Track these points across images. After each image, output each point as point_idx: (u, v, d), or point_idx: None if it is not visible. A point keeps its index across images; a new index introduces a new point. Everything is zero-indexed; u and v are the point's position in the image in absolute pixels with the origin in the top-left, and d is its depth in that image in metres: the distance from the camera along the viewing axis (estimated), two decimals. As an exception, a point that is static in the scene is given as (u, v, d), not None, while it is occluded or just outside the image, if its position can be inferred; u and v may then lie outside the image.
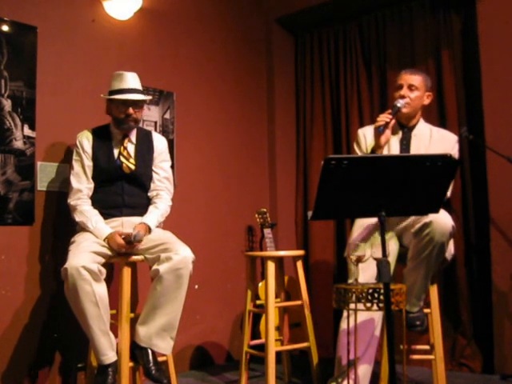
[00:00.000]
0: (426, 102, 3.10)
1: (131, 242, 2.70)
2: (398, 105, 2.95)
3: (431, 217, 2.66)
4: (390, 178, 2.03)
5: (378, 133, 2.87)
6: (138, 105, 2.94)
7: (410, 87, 3.02)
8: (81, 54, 3.36)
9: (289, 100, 4.64)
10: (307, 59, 4.59)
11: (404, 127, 3.08)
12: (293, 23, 4.56)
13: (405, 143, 3.04)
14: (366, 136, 3.12)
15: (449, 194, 2.99)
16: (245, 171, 4.31)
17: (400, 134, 3.07)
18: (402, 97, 3.00)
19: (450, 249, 2.93)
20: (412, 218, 2.85)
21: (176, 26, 3.91)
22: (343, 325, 2.78)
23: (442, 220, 2.68)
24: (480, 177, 3.64)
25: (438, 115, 3.86)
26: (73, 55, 3.32)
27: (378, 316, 2.82)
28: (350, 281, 2.84)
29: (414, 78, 3.04)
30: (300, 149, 4.58)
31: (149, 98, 3.01)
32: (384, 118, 2.88)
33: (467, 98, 3.82)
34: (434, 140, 3.03)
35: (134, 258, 2.80)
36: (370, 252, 2.51)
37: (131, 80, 2.91)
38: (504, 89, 3.49)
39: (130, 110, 2.90)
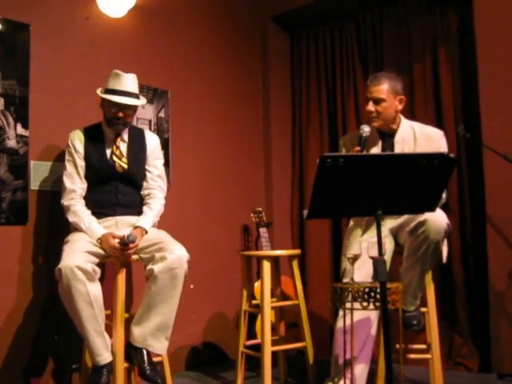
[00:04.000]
0: (400, 107, 2.97)
1: (126, 243, 2.68)
2: (364, 135, 2.86)
3: (426, 215, 2.64)
4: (387, 176, 2.02)
5: None
6: (131, 108, 2.91)
7: (376, 101, 2.92)
8: (74, 52, 3.33)
9: (284, 98, 4.62)
10: (303, 57, 4.58)
11: (384, 135, 3.01)
12: (288, 21, 4.55)
13: (388, 152, 2.99)
14: (347, 147, 3.08)
15: (444, 196, 2.98)
16: (240, 170, 4.29)
17: (380, 143, 3.00)
18: (369, 113, 2.93)
19: (444, 250, 2.92)
20: (407, 217, 2.83)
21: (171, 24, 3.88)
22: (339, 324, 2.77)
23: (437, 218, 2.67)
24: (477, 175, 3.63)
25: (434, 113, 3.85)
26: (66, 53, 3.29)
27: (374, 315, 2.81)
28: (345, 280, 2.82)
29: (379, 90, 2.91)
30: (296, 147, 4.57)
31: (142, 103, 2.96)
32: None
33: (464, 95, 3.81)
34: (419, 143, 2.95)
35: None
36: (360, 249, 2.49)
37: (128, 82, 2.87)
38: (501, 86, 3.48)
39: (120, 114, 2.87)
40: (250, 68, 4.47)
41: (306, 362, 3.26)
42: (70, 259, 2.55)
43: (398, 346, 2.73)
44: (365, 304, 2.29)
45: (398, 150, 2.97)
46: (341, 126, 4.31)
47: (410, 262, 2.80)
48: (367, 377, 2.80)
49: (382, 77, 2.97)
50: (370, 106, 2.93)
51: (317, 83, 4.49)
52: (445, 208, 2.96)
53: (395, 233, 2.98)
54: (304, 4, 4.26)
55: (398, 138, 2.99)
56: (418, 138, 2.96)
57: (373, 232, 2.29)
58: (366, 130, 2.88)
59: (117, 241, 2.70)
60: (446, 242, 2.89)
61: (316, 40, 4.51)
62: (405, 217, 2.85)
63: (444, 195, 2.97)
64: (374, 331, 2.81)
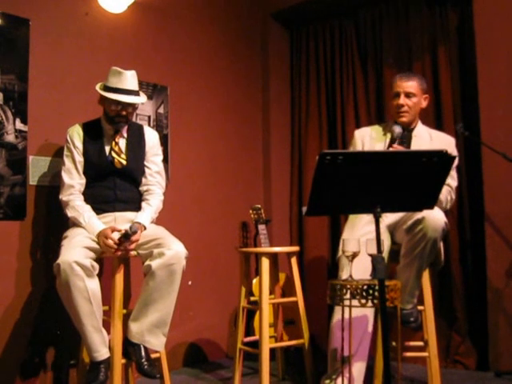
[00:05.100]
0: (424, 104, 3.08)
1: (128, 235, 2.63)
2: (396, 132, 2.94)
3: (423, 213, 2.65)
4: (386, 173, 2.01)
5: None
6: (132, 106, 2.91)
7: (408, 95, 2.99)
8: (74, 47, 3.32)
9: (284, 95, 4.62)
10: (303, 54, 4.57)
11: (403, 130, 3.06)
12: (288, 18, 4.54)
13: (405, 146, 3.02)
14: (363, 141, 3.11)
15: (453, 195, 3.00)
16: (239, 167, 4.29)
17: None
18: (400, 106, 2.99)
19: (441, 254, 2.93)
20: (404, 214, 2.83)
21: (171, 20, 3.88)
22: (335, 321, 2.77)
23: (435, 216, 2.67)
24: (475, 173, 3.63)
25: (433, 111, 3.84)
26: (66, 48, 3.28)
27: (370, 312, 2.81)
28: (343, 277, 2.82)
29: (411, 85, 3.00)
30: (295, 144, 4.57)
31: (143, 100, 2.96)
32: None
33: (463, 94, 3.81)
34: (435, 143, 3.02)
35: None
36: (359, 246, 2.49)
37: (129, 80, 2.85)
38: (500, 85, 3.48)
39: (123, 112, 2.87)
40: (250, 64, 4.47)
41: (303, 359, 3.26)
42: (68, 254, 2.54)
43: (394, 343, 2.73)
44: (363, 301, 2.29)
45: (415, 144, 3.04)
46: (340, 122, 4.30)
47: (407, 260, 2.80)
48: (365, 374, 2.80)
49: (411, 74, 3.11)
50: (402, 100, 2.99)
51: (316, 80, 4.49)
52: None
53: (392, 230, 2.98)
54: (304, 1, 4.25)
55: (416, 133, 3.07)
56: (434, 138, 3.06)
57: (371, 227, 2.29)
58: (397, 131, 2.95)
59: (116, 235, 2.69)
60: (442, 245, 2.89)
61: (316, 37, 4.51)
62: (402, 214, 2.86)
63: (453, 196, 2.99)
64: (370, 328, 2.81)
